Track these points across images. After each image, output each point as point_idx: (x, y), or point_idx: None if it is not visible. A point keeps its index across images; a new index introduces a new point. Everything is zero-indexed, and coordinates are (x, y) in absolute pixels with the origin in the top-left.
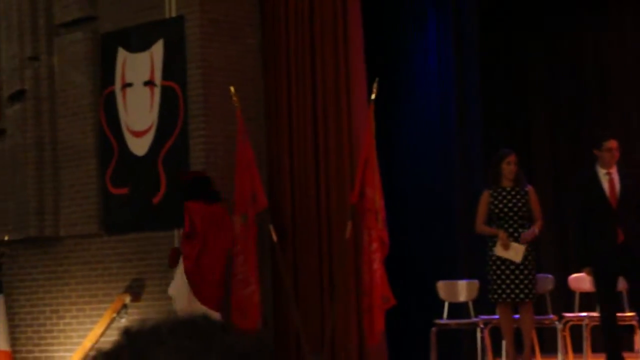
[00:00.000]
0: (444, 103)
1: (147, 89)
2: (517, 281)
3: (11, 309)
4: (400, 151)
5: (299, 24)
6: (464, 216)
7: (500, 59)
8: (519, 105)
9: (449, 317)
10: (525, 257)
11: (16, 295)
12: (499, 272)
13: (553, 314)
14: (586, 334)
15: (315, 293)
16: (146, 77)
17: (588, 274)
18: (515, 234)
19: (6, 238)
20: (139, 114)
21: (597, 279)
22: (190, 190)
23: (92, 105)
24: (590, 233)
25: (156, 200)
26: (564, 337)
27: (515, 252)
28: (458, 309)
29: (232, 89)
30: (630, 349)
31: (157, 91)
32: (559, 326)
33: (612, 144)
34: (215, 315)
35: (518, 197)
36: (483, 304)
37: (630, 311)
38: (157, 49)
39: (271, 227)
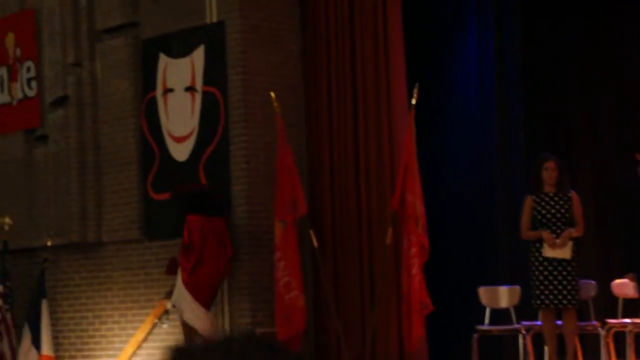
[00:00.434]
0: (484, 107)
1: (188, 95)
2: (560, 287)
3: (54, 314)
4: (441, 156)
5: (339, 30)
6: (505, 221)
7: (542, 61)
8: (561, 107)
9: (491, 323)
10: (572, 259)
11: (59, 301)
12: (542, 277)
13: (596, 320)
14: (629, 341)
15: (356, 299)
16: (187, 83)
17: (631, 279)
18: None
19: (49, 243)
20: (180, 120)
21: None
22: (190, 203)
23: (134, 111)
24: None
25: None
26: (607, 344)
27: (563, 251)
28: (500, 315)
29: (272, 94)
30: None
31: (198, 97)
32: (602, 333)
33: None
34: (209, 313)
35: (561, 202)
36: (525, 309)
37: None
38: (198, 55)
39: (312, 233)
